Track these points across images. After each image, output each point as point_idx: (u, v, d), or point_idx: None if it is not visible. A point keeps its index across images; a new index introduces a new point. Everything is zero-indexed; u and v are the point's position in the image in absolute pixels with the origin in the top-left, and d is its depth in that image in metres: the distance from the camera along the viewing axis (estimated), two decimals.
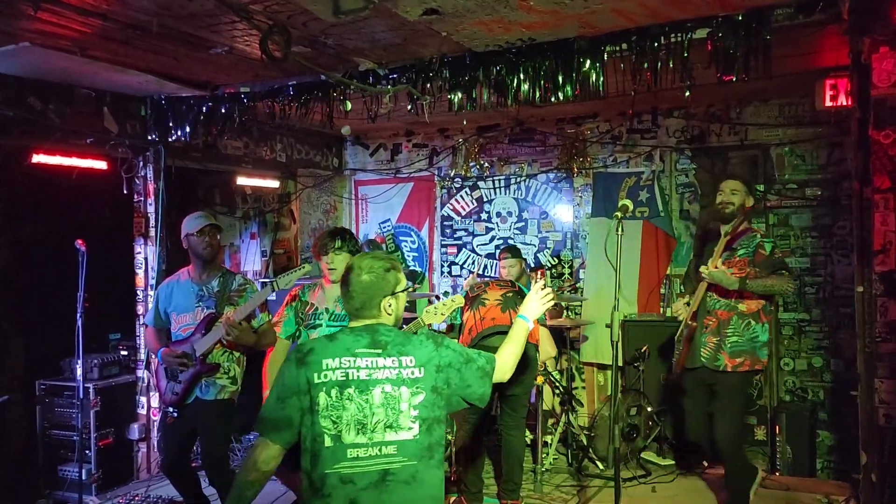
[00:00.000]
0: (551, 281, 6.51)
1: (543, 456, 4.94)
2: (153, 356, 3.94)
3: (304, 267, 3.79)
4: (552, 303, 2.77)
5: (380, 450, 2.25)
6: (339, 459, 2.23)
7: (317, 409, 2.23)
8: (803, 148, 5.65)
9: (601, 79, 3.95)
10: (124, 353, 5.37)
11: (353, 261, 2.45)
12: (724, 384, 3.88)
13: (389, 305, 2.41)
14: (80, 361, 4.34)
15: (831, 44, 4.00)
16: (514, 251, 5.76)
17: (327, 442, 2.22)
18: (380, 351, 2.32)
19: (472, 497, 4.34)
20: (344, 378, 2.26)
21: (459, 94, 4.30)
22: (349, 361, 2.28)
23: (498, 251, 6.07)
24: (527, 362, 4.31)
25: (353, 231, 7.43)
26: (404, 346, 2.36)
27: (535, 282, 3.13)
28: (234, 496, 2.28)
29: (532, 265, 6.53)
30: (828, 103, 4.51)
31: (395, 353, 2.33)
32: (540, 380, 4.67)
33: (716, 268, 3.78)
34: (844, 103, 4.39)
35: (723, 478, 4.33)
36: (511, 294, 4.53)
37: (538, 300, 2.68)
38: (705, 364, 3.90)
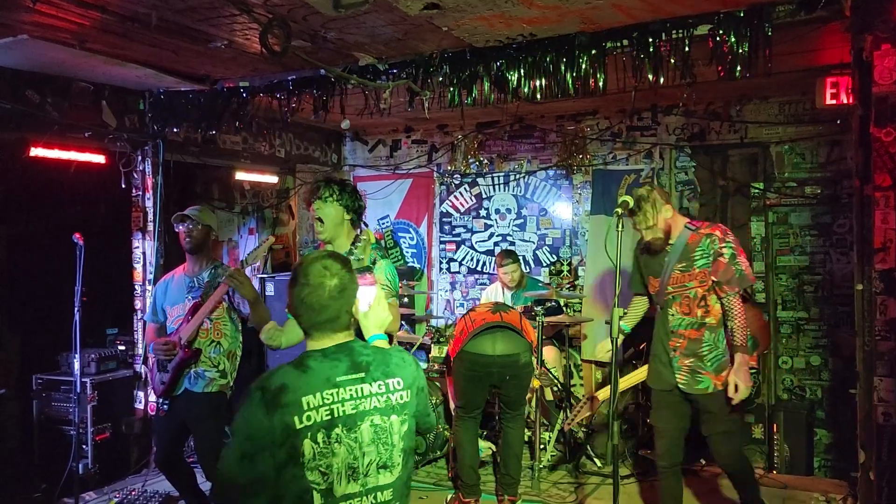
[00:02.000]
0: (549, 278, 6.50)
1: (541, 453, 4.94)
2: (149, 352, 3.92)
3: (269, 239, 3.65)
4: None
5: (375, 497, 1.89)
6: None
7: (301, 461, 1.79)
8: (803, 146, 5.64)
9: (601, 75, 3.94)
10: (122, 347, 5.35)
11: (310, 260, 1.98)
12: (714, 404, 3.49)
13: (350, 314, 2.03)
14: (77, 356, 4.33)
15: (832, 41, 3.99)
16: (512, 255, 5.75)
17: (317, 500, 1.81)
18: (363, 375, 1.92)
19: (469, 491, 4.34)
20: (329, 417, 1.83)
21: (459, 90, 4.29)
22: (332, 395, 1.86)
23: (495, 256, 6.08)
24: (526, 362, 4.31)
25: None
26: (388, 365, 1.98)
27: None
28: None
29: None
30: (829, 101, 4.52)
31: (381, 376, 1.94)
32: (536, 383, 4.66)
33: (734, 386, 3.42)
34: (845, 101, 4.39)
35: (720, 475, 4.34)
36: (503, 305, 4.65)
37: None
38: (683, 389, 3.53)
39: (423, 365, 5.85)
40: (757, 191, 5.78)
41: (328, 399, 1.84)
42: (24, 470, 4.81)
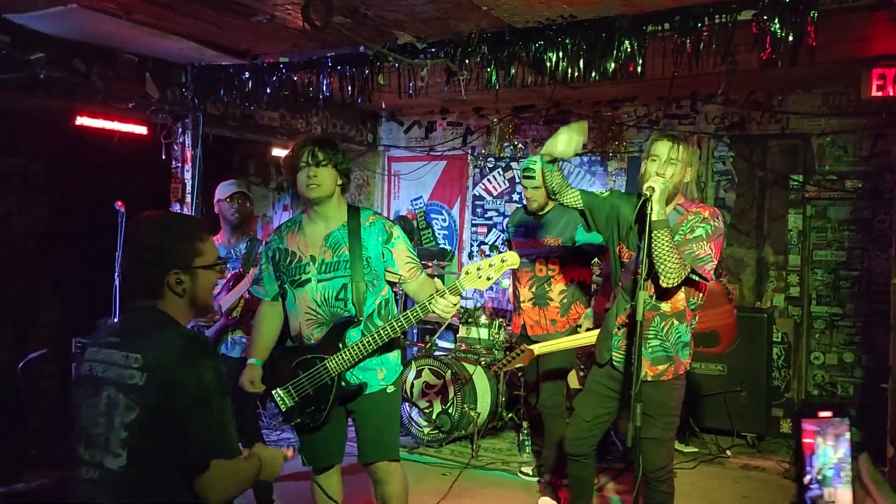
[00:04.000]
0: None
1: None
2: None
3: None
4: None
5: (99, 474, 1.72)
6: (76, 475, 1.78)
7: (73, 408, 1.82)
8: (846, 138, 5.53)
9: (641, 59, 3.90)
10: None
11: (140, 218, 1.87)
12: (645, 396, 2.86)
13: (179, 283, 1.83)
14: (115, 321, 4.45)
15: (880, 31, 3.90)
16: None
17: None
18: (118, 340, 1.78)
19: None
20: (88, 373, 1.79)
21: (497, 71, 4.29)
22: (96, 352, 1.81)
23: None
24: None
25: (386, 208, 7.48)
26: (139, 337, 1.76)
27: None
28: None
29: None
30: (874, 93, 4.41)
31: (129, 347, 1.75)
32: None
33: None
34: (892, 93, 4.29)
35: (745, 468, 4.29)
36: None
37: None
38: (617, 367, 3.07)
39: (449, 345, 5.89)
40: (796, 183, 5.69)
41: (93, 355, 1.81)
42: (62, 428, 4.97)
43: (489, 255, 2.71)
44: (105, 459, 1.71)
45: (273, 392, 2.93)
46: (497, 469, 4.76)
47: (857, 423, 5.40)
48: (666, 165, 2.92)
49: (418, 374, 5.23)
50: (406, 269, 2.94)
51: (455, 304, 2.71)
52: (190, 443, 1.69)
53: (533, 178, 4.02)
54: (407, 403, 5.22)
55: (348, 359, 2.81)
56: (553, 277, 4.11)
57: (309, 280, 2.86)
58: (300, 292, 2.88)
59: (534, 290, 4.15)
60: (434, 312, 2.74)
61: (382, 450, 2.98)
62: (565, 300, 4.11)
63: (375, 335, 2.79)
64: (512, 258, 2.67)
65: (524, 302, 4.20)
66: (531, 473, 4.60)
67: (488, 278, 2.65)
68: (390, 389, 2.99)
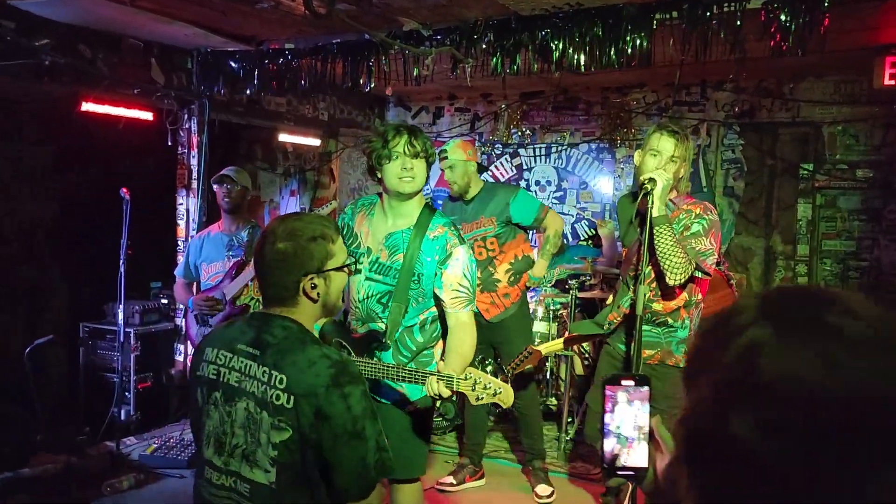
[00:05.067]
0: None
1: (568, 424, 4.96)
2: (185, 306, 4.07)
3: (331, 203, 3.72)
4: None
5: (234, 483, 1.75)
6: (201, 474, 1.83)
7: (196, 406, 1.86)
8: (857, 127, 5.46)
9: (649, 47, 3.85)
10: (164, 301, 5.52)
11: (270, 224, 1.86)
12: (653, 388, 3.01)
13: (313, 287, 1.80)
14: (121, 307, 4.48)
15: (893, 19, 3.83)
16: None
17: (201, 445, 1.85)
18: (258, 353, 1.76)
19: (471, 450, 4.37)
20: (215, 377, 1.80)
21: (502, 59, 4.24)
22: (225, 357, 1.79)
23: None
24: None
25: None
26: (284, 357, 1.72)
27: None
28: None
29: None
30: (887, 82, 4.35)
31: (271, 365, 1.72)
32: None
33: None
34: None
35: None
36: None
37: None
38: (616, 357, 3.18)
39: None
40: (806, 172, 5.63)
41: (220, 360, 1.79)
42: (69, 413, 5.03)
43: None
44: (249, 472, 1.72)
45: None
46: (501, 458, 4.77)
47: None
48: (668, 163, 2.90)
49: None
50: (449, 297, 2.62)
51: (445, 397, 2.44)
52: (338, 472, 1.69)
53: (446, 158, 4.02)
54: None
55: (369, 371, 2.59)
56: (496, 258, 4.07)
57: (360, 272, 2.70)
58: (352, 279, 2.70)
59: (479, 274, 3.97)
60: (423, 384, 2.49)
61: (399, 469, 2.75)
62: (512, 278, 4.11)
63: (392, 370, 2.55)
64: (507, 396, 2.46)
65: None
66: (454, 483, 4.31)
67: (477, 399, 2.42)
68: (410, 407, 2.74)
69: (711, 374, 0.71)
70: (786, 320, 0.69)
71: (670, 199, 3.00)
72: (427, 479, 4.30)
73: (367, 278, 2.69)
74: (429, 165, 2.66)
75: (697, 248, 2.85)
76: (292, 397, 1.67)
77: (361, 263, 2.71)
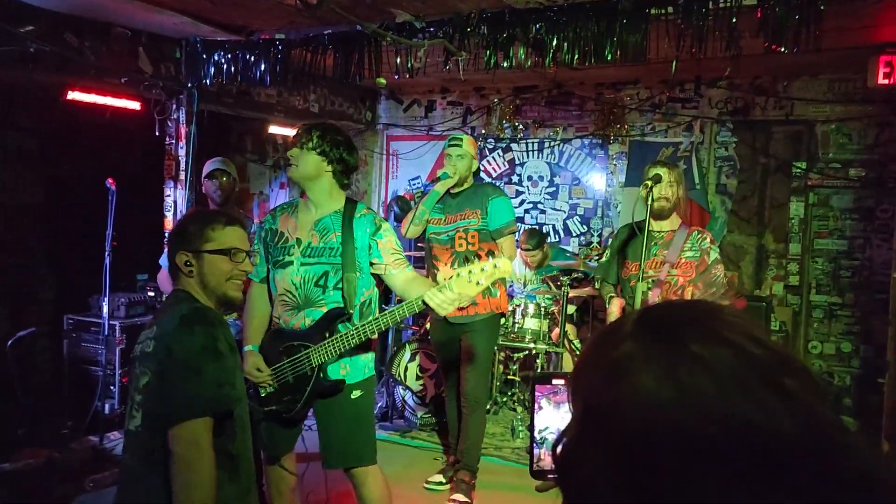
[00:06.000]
0: (578, 249, 6.43)
1: None
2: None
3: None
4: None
5: (126, 435, 2.02)
6: None
7: None
8: (851, 126, 5.44)
9: (644, 43, 3.81)
10: (151, 294, 5.44)
11: None
12: None
13: (187, 264, 2.03)
14: (106, 299, 4.42)
15: (889, 17, 3.80)
16: (536, 238, 5.52)
17: None
18: (154, 319, 2.05)
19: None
20: (135, 354, 2.02)
21: (496, 52, 4.19)
22: (145, 332, 2.02)
23: (520, 233, 5.54)
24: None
25: (384, 187, 7.40)
26: (163, 313, 2.03)
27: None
28: None
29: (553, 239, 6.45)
30: (881, 80, 4.33)
31: (154, 323, 2.00)
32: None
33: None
34: None
35: None
36: None
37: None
38: None
39: None
40: (799, 170, 5.61)
41: (140, 338, 2.01)
42: (53, 406, 4.96)
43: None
44: (129, 423, 1.94)
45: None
46: (489, 455, 4.74)
47: (852, 413, 5.38)
48: (667, 186, 3.56)
49: (412, 358, 5.20)
50: (391, 259, 2.86)
51: (453, 302, 2.59)
52: (172, 402, 1.84)
53: (459, 146, 3.98)
54: (400, 387, 5.20)
55: (331, 350, 2.74)
56: (475, 252, 3.95)
57: (291, 262, 2.84)
58: (280, 273, 2.86)
59: (456, 266, 3.94)
60: (430, 308, 2.62)
61: (351, 458, 2.90)
62: None
63: (361, 329, 2.72)
64: (505, 266, 2.56)
65: None
66: (443, 482, 4.23)
67: (478, 283, 2.55)
68: (355, 394, 2.87)
69: (582, 393, 0.68)
70: (654, 337, 0.65)
71: (681, 222, 3.63)
72: (414, 477, 4.27)
73: (303, 264, 2.84)
74: (323, 158, 2.81)
75: (719, 274, 3.47)
76: (153, 342, 1.91)
77: (292, 255, 2.85)
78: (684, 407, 0.59)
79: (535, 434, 1.09)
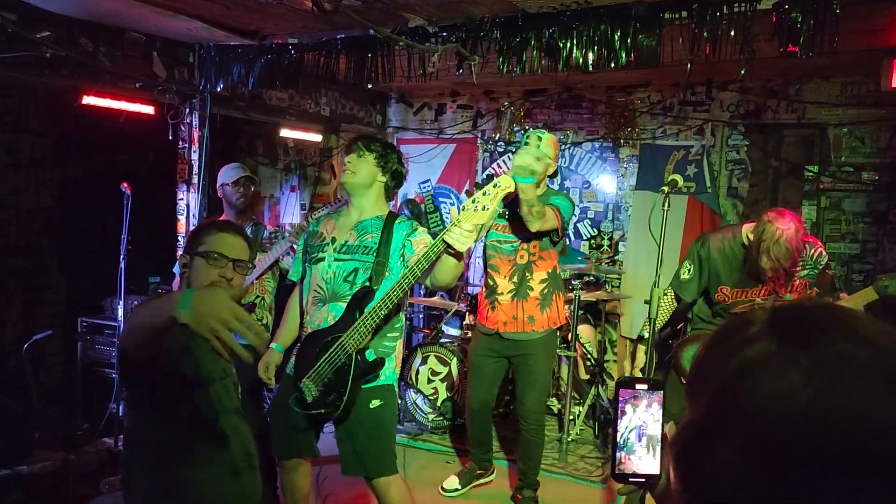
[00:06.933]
0: (589, 252, 6.43)
1: (570, 426, 4.94)
2: None
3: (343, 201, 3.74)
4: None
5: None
6: None
7: None
8: (863, 129, 5.43)
9: (658, 47, 3.81)
10: None
11: None
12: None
13: (183, 265, 2.19)
14: (121, 302, 4.44)
15: None
16: None
17: None
18: None
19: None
20: None
21: (508, 57, 4.20)
22: None
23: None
24: None
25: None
26: None
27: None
28: None
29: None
30: (894, 84, 4.32)
31: None
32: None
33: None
34: None
35: None
36: None
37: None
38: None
39: (456, 332, 5.86)
40: (811, 174, 5.60)
41: None
42: (67, 408, 4.99)
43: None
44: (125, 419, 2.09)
45: (300, 383, 2.84)
46: (501, 458, 4.74)
47: None
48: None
49: (424, 361, 5.21)
50: (421, 249, 2.79)
51: (470, 233, 2.50)
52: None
53: (541, 143, 3.78)
54: (412, 390, 5.21)
55: (364, 329, 2.70)
56: (535, 263, 3.79)
57: (323, 259, 2.93)
58: (313, 269, 2.94)
59: (515, 279, 3.81)
60: (450, 245, 2.53)
61: (370, 468, 2.87)
62: (546, 290, 3.82)
63: (386, 297, 2.66)
64: (505, 181, 2.52)
65: (502, 295, 3.83)
66: (458, 488, 4.23)
67: (485, 208, 2.49)
68: (374, 403, 2.83)
69: (707, 391, 0.68)
70: (793, 338, 0.66)
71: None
72: (428, 480, 4.28)
73: (335, 259, 2.91)
74: (378, 165, 2.94)
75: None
76: None
77: (325, 251, 2.94)
78: (827, 407, 0.59)
79: (619, 438, 1.10)
